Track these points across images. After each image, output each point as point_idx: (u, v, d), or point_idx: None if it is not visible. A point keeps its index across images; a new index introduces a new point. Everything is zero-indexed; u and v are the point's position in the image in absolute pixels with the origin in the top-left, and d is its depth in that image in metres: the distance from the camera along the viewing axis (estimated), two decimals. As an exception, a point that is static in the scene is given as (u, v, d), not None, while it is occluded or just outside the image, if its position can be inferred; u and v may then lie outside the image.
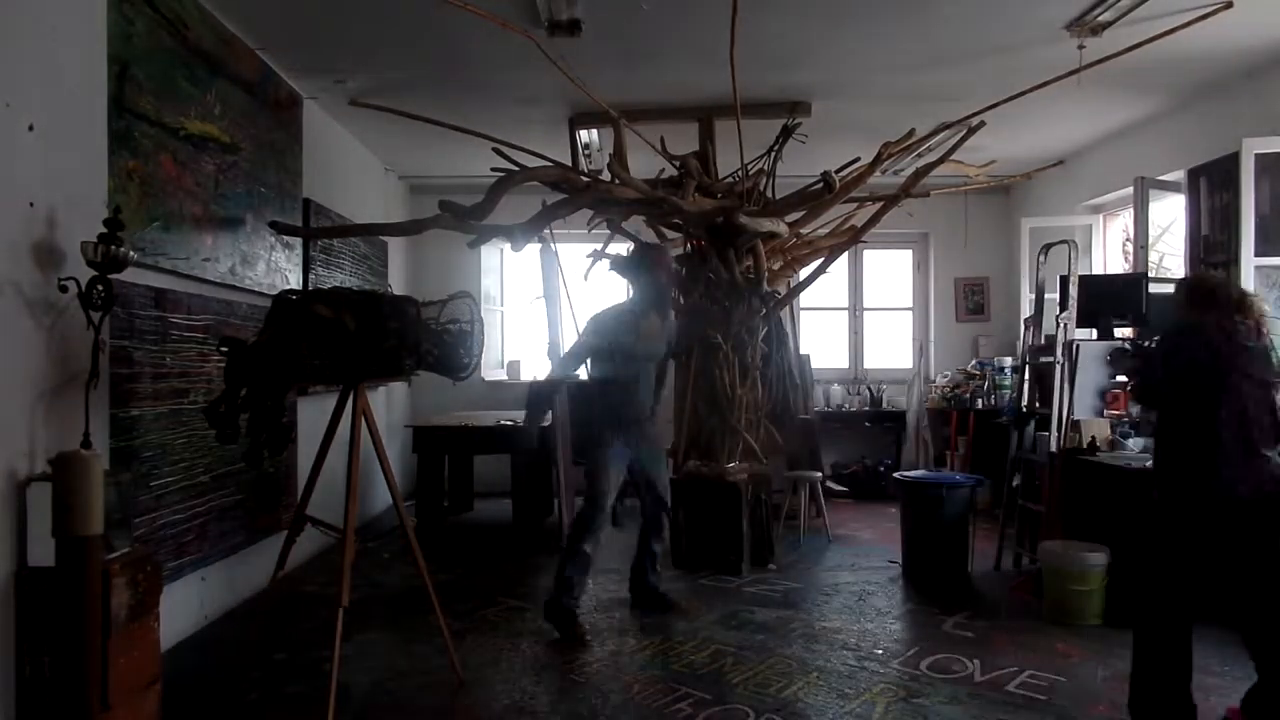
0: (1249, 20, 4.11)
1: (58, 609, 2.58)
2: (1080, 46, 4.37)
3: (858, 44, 4.59)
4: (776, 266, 5.68)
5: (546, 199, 4.65)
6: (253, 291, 4.42)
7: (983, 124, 5.09)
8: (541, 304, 5.94)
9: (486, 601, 4.43)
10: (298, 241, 5.09)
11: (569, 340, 4.93)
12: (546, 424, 5.70)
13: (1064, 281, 4.93)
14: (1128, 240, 6.51)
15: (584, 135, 5.92)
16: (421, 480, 6.39)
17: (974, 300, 8.19)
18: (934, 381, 7.78)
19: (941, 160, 5.38)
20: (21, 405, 2.72)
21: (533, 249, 5.84)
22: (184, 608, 3.77)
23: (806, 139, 5.43)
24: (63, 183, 2.93)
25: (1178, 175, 5.49)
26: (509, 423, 5.94)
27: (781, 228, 5.24)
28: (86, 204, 3.03)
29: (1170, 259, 6.00)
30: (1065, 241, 5.07)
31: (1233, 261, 4.69)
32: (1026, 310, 6.22)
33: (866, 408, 7.94)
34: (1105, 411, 4.72)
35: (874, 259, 8.43)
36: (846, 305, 8.40)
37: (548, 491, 6.36)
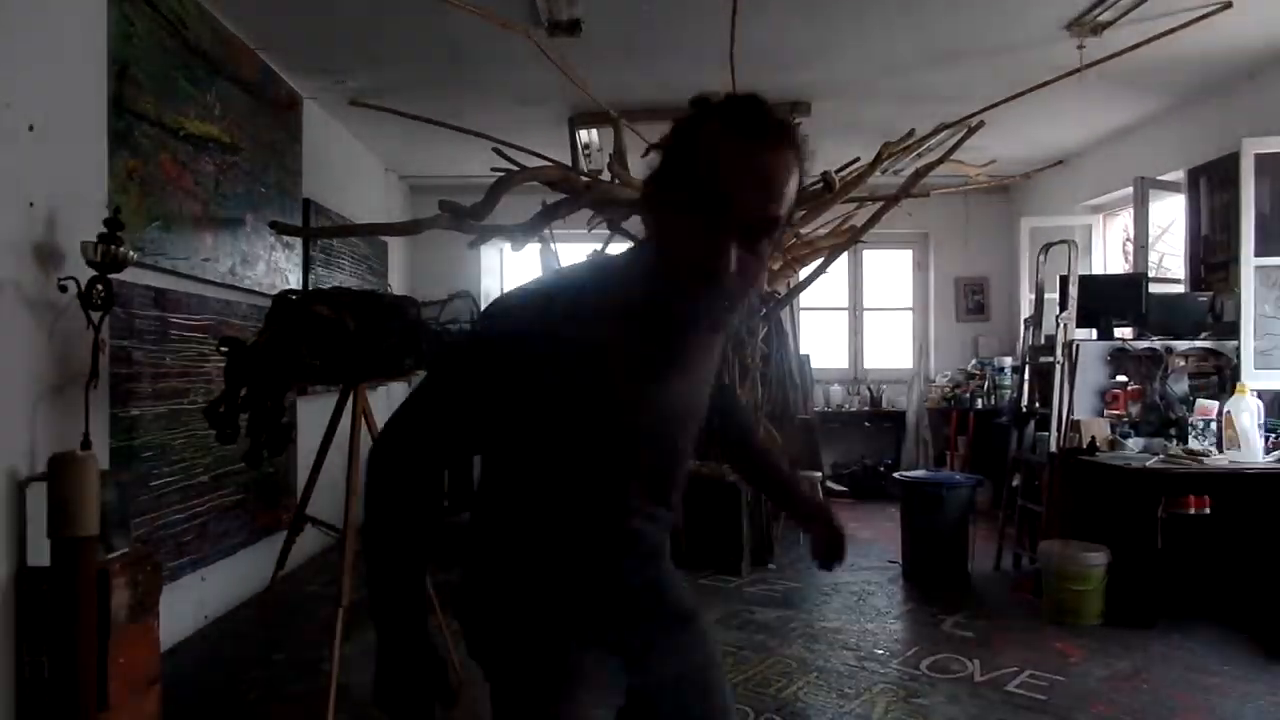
0: (1249, 20, 4.11)
1: (56, 609, 2.57)
2: (1080, 46, 4.37)
3: (858, 44, 4.59)
4: (776, 266, 5.67)
5: (546, 199, 4.65)
6: (253, 291, 4.42)
7: (983, 124, 5.08)
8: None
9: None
10: (298, 241, 5.09)
11: None
12: None
13: (1064, 281, 4.93)
14: (1128, 240, 6.52)
15: (584, 135, 5.91)
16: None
17: (974, 300, 8.18)
18: (934, 381, 7.77)
19: (941, 160, 5.37)
20: (21, 405, 2.73)
21: (533, 249, 5.85)
22: (184, 608, 3.76)
23: (806, 139, 5.42)
24: (63, 183, 2.93)
25: (1178, 175, 5.49)
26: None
27: (781, 228, 5.22)
28: (86, 204, 3.03)
29: (1170, 259, 6.00)
30: (1065, 241, 5.07)
31: (1233, 261, 4.69)
32: (1026, 310, 6.22)
33: (866, 408, 7.93)
34: (1105, 411, 4.72)
35: (874, 259, 8.42)
36: (846, 305, 8.39)
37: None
